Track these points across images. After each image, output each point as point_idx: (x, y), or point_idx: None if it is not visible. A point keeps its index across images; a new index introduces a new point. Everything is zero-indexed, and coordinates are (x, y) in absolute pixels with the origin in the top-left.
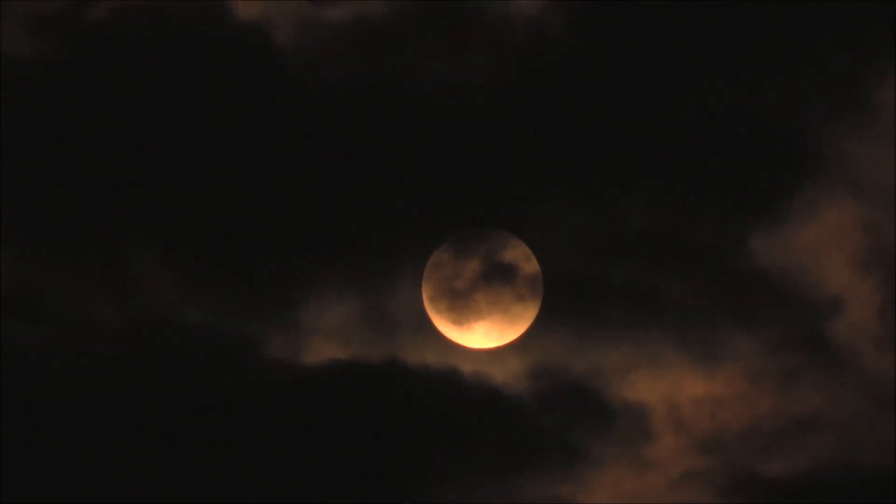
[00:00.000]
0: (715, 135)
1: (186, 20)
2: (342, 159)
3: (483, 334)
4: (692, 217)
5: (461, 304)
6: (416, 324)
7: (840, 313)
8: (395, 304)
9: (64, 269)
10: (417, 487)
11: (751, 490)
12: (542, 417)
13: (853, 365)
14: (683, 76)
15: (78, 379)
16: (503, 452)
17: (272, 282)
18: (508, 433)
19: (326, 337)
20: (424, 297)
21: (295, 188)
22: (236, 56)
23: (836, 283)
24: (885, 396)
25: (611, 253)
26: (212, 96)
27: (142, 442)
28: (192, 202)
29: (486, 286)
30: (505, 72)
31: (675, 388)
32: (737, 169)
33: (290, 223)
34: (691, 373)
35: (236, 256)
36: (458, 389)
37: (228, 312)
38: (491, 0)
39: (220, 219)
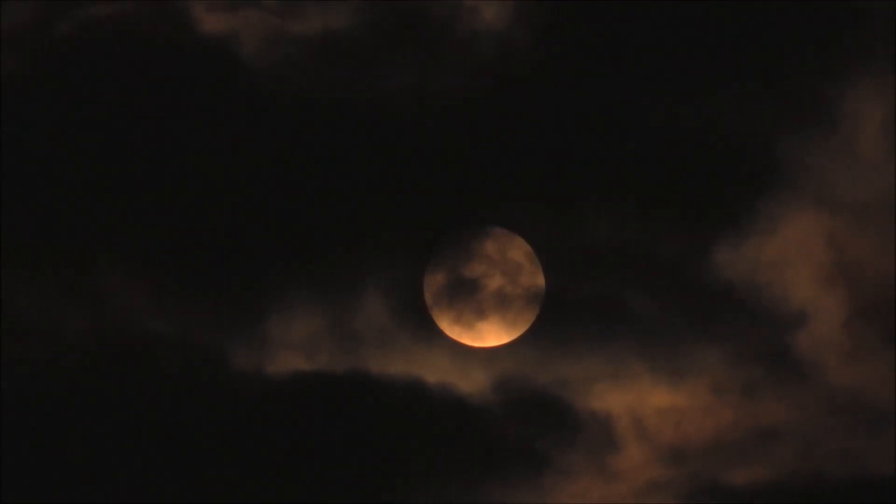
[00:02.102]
0: (678, 148)
1: (153, 34)
2: (309, 173)
3: (489, 333)
4: (656, 230)
5: (462, 305)
6: (381, 337)
7: (804, 326)
8: (361, 318)
9: (32, 281)
10: (383, 497)
11: (714, 499)
12: (508, 427)
13: (816, 377)
14: (647, 90)
15: (46, 389)
16: (469, 462)
17: (239, 295)
18: (474, 443)
19: (292, 350)
20: (427, 298)
21: (261, 202)
22: (203, 70)
23: (801, 297)
24: (847, 408)
25: (576, 266)
26: (179, 110)
27: (108, 452)
28: (160, 215)
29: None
30: (472, 85)
31: (639, 400)
32: (700, 182)
33: (257, 237)
34: (656, 385)
35: (204, 269)
36: (422, 400)
37: (195, 325)
38: (458, 14)
39: (188, 232)
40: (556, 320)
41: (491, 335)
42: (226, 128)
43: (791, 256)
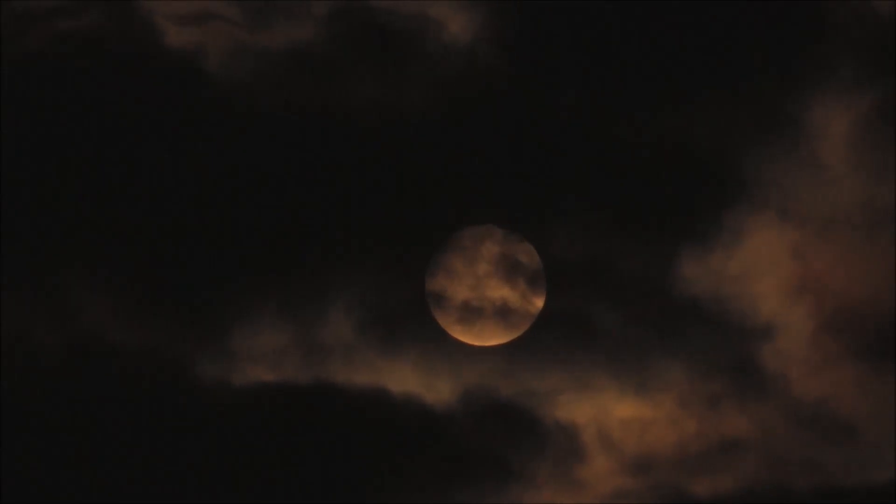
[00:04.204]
0: (643, 162)
1: (119, 47)
2: (274, 187)
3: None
4: (621, 243)
5: (464, 305)
6: (347, 350)
7: (770, 339)
8: (326, 331)
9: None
10: None
11: None
12: (474, 437)
13: (782, 389)
14: (611, 104)
15: (13, 401)
16: (435, 471)
17: (206, 308)
18: (440, 453)
19: (258, 362)
20: (429, 295)
21: (227, 215)
22: (170, 83)
23: (766, 309)
24: (812, 419)
25: None
26: (145, 123)
27: (75, 463)
28: (126, 227)
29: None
30: (438, 100)
31: (605, 411)
32: (665, 195)
33: (223, 250)
34: (622, 396)
35: (171, 282)
36: (388, 411)
37: (162, 337)
38: (425, 27)
39: (155, 245)
40: (521, 334)
41: (492, 334)
42: (192, 141)
43: (756, 269)
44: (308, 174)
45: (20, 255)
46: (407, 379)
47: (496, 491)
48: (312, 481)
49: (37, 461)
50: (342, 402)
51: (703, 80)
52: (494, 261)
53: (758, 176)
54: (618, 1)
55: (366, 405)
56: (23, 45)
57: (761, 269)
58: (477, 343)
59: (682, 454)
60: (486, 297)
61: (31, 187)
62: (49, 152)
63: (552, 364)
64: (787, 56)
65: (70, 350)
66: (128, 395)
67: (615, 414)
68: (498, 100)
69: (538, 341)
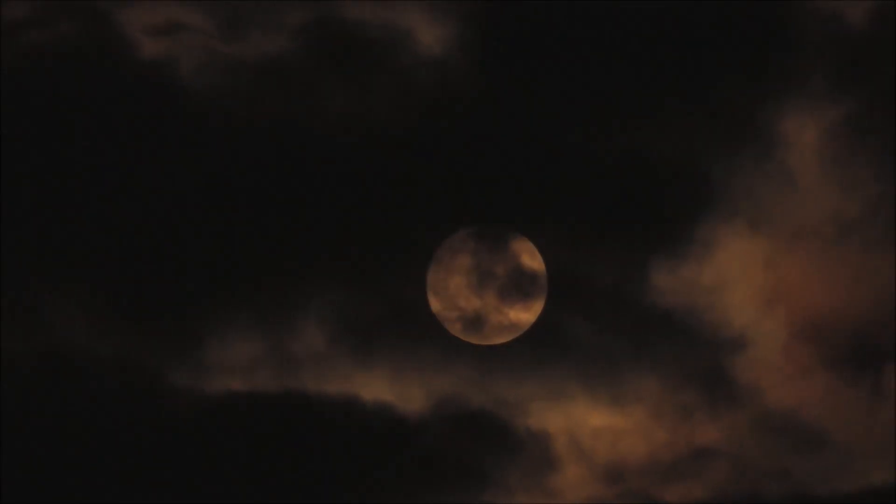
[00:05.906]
0: (614, 172)
1: (90, 58)
2: (246, 198)
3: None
4: (593, 254)
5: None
6: (319, 359)
7: (742, 349)
8: (299, 340)
9: None
10: None
11: None
12: (447, 445)
13: (754, 399)
14: (583, 115)
15: None
16: (407, 480)
17: (178, 318)
18: (412, 461)
19: (230, 372)
20: (430, 295)
21: (199, 225)
22: (142, 93)
23: (738, 320)
24: (783, 429)
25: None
26: (117, 133)
27: (44, 472)
28: (98, 236)
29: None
30: (410, 112)
31: (577, 420)
32: (637, 206)
33: (196, 260)
34: (594, 406)
35: (143, 291)
36: (360, 419)
37: (135, 347)
38: (396, 38)
39: (126, 254)
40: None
41: (495, 333)
42: (164, 151)
43: (727, 280)
44: (281, 185)
45: None
46: (379, 387)
47: (469, 500)
48: (285, 490)
49: (8, 469)
50: (315, 410)
51: (672, 91)
52: (483, 268)
53: (729, 186)
54: (589, 12)
55: (338, 414)
56: None
57: (733, 279)
58: (483, 343)
59: (654, 463)
60: (484, 298)
61: (2, 198)
62: (21, 163)
63: (524, 373)
64: (758, 67)
65: (43, 359)
66: (100, 404)
67: (587, 423)
68: (468, 111)
69: (510, 350)
